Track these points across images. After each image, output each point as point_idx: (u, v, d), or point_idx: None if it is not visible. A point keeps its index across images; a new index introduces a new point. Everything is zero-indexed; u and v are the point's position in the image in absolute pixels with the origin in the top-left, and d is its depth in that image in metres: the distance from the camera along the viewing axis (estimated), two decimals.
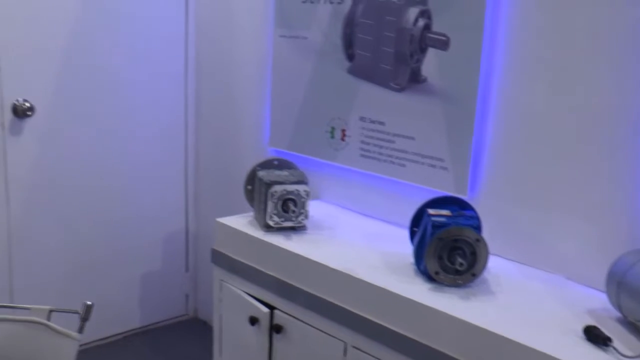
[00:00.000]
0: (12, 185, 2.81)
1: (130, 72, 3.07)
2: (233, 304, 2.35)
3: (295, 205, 2.24)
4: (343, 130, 2.55)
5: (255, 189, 2.37)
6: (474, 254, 1.82)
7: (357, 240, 2.25)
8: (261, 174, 2.33)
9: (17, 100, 2.77)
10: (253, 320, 2.21)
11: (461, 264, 1.79)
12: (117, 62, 3.03)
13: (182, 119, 3.30)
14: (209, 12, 3.18)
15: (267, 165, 2.45)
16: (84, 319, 1.81)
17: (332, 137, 2.59)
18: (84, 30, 2.90)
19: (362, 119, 2.47)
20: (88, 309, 1.81)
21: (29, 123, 2.82)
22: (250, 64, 2.98)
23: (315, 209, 2.51)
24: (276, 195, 2.22)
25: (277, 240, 2.19)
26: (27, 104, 2.78)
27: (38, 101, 2.82)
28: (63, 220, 2.98)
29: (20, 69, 2.76)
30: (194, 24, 3.23)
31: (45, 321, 1.78)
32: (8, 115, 2.76)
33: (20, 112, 2.77)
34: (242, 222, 2.37)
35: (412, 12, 2.27)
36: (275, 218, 2.24)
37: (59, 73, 2.87)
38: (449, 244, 1.82)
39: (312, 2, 2.62)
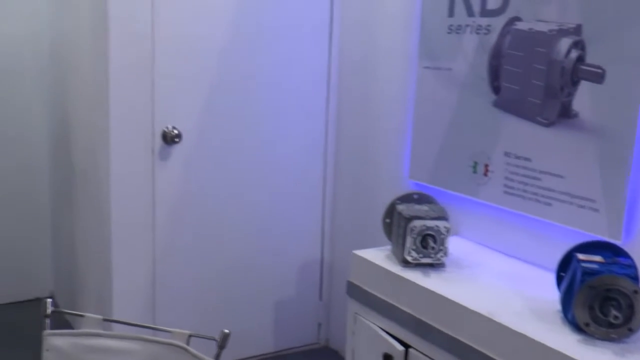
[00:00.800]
0: (159, 207, 2.93)
1: (272, 105, 3.14)
2: (367, 339, 2.31)
3: (435, 241, 2.17)
4: (486, 165, 2.46)
5: (394, 223, 2.32)
6: (631, 306, 1.67)
7: (499, 281, 2.14)
8: (400, 207, 2.28)
9: (167, 128, 2.90)
10: (387, 358, 2.16)
11: (616, 317, 1.66)
12: (261, 94, 3.10)
13: (322, 151, 3.32)
14: (352, 44, 3.20)
15: (406, 199, 2.40)
16: (221, 346, 1.83)
17: (475, 171, 2.51)
18: (230, 62, 3.00)
19: (506, 154, 2.38)
20: (225, 337, 1.83)
21: (176, 149, 2.94)
22: (391, 94, 2.96)
23: (454, 245, 2.43)
24: (415, 231, 2.16)
25: (414, 276, 2.14)
26: (176, 131, 2.90)
27: (185, 128, 2.93)
28: (204, 244, 3.08)
29: (171, 98, 2.89)
30: (337, 57, 3.26)
31: (185, 345, 1.82)
32: (158, 141, 2.89)
33: (169, 139, 2.89)
34: (379, 255, 2.34)
35: (564, 43, 2.16)
36: (414, 254, 2.19)
37: (206, 103, 2.98)
38: (601, 294, 1.69)
39: (457, 33, 2.56)
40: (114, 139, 2.79)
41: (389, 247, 2.40)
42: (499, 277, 2.18)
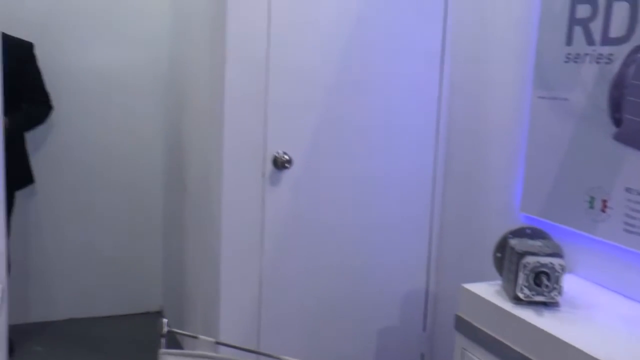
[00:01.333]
0: (267, 231, 2.97)
1: (381, 134, 3.12)
2: None
3: (549, 279, 2.08)
4: (604, 201, 2.34)
5: (506, 258, 2.25)
6: None
7: (618, 325, 2.02)
8: (513, 242, 2.21)
9: (278, 153, 2.93)
10: None
11: None
12: (370, 121, 3.09)
13: (430, 180, 3.27)
14: (463, 72, 3.14)
15: (519, 233, 2.32)
16: None
17: (591, 207, 2.39)
18: (341, 91, 3.01)
19: (628, 190, 2.25)
20: None
21: (287, 174, 2.97)
22: (503, 124, 2.88)
23: (569, 283, 2.32)
24: (528, 267, 2.08)
25: (526, 314, 2.05)
26: (286, 157, 2.93)
27: (296, 154, 2.96)
28: (309, 269, 3.09)
29: (283, 124, 2.93)
30: (448, 86, 3.21)
31: None
32: (269, 166, 2.93)
33: (280, 164, 2.93)
34: (489, 290, 2.26)
35: None
36: (526, 291, 2.10)
37: (316, 130, 3.00)
38: None
39: (575, 62, 2.47)
40: (226, 163, 2.85)
41: (499, 282, 2.32)
42: (618, 320, 2.06)
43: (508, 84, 2.85)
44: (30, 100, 3.61)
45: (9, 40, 3.40)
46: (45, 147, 3.91)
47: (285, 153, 2.94)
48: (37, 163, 3.84)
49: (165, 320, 1.90)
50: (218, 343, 1.94)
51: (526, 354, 2.00)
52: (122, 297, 4.20)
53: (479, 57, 3.03)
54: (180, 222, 3.73)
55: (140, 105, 4.04)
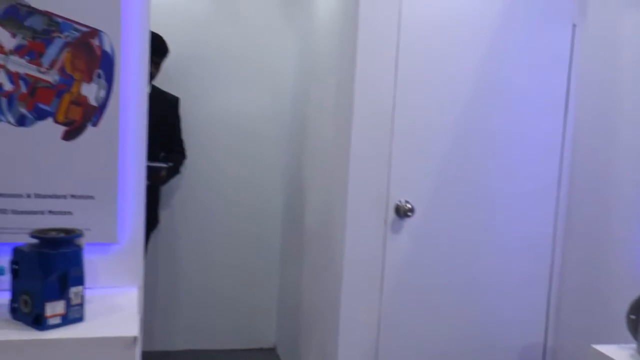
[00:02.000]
0: (387, 276, 3.00)
1: (502, 188, 3.10)
2: None
3: None
4: None
5: None
6: None
7: None
8: None
9: (400, 201, 2.97)
10: None
11: None
12: (493, 173, 3.09)
13: (551, 231, 3.21)
14: (587, 117, 3.09)
15: None
16: None
17: None
18: (464, 140, 3.03)
19: None
20: None
21: (408, 223, 2.99)
22: (628, 181, 2.80)
23: None
24: None
25: None
26: (409, 205, 2.96)
27: (418, 203, 2.99)
28: (426, 316, 3.08)
29: (406, 172, 2.97)
30: (571, 132, 3.16)
31: None
32: (391, 214, 2.97)
33: (402, 212, 2.96)
34: (622, 354, 2.19)
35: None
36: None
37: (439, 179, 3.02)
38: None
39: None
40: (350, 210, 2.91)
41: (633, 345, 2.24)
42: None
43: (635, 139, 2.78)
44: (169, 149, 3.81)
45: (158, 93, 3.64)
46: (171, 189, 4.09)
47: (407, 202, 2.97)
48: (163, 204, 4.04)
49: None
50: None
51: None
52: (238, 332, 4.31)
53: (604, 103, 2.97)
54: (297, 263, 3.81)
55: (262, 149, 4.19)
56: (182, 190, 4.12)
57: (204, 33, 4.01)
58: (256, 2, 4.08)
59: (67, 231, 1.87)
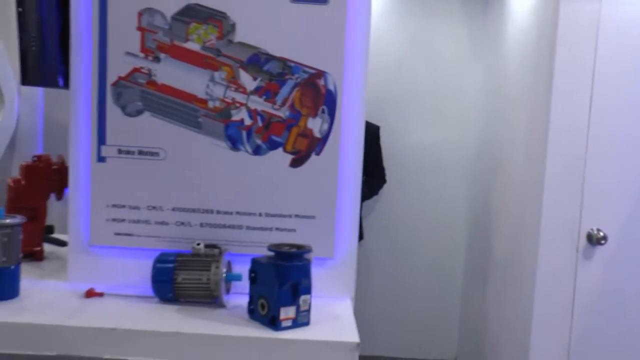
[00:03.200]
0: (578, 302, 3.00)
1: None
2: None
3: None
4: None
5: None
6: None
7: None
8: None
9: (592, 229, 2.95)
10: None
11: None
12: None
13: None
14: None
15: None
16: None
17: None
18: None
19: None
20: None
21: (600, 250, 2.97)
22: None
23: None
24: None
25: None
26: (601, 234, 2.94)
27: (611, 231, 2.95)
28: (620, 347, 3.02)
29: (599, 200, 2.95)
30: None
31: None
32: (582, 241, 2.96)
33: (594, 240, 2.95)
34: None
35: None
36: None
37: (633, 209, 2.96)
38: None
39: None
40: (543, 236, 2.94)
41: None
42: None
43: None
44: (371, 174, 4.05)
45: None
46: (374, 211, 4.33)
47: (599, 230, 2.95)
48: (366, 223, 4.29)
49: None
50: None
51: None
52: (420, 344, 4.44)
53: None
54: (482, 283, 3.86)
55: (447, 177, 4.31)
56: (381, 211, 4.35)
57: (400, 68, 4.21)
58: (446, 40, 4.23)
59: (299, 247, 2.10)
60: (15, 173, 3.77)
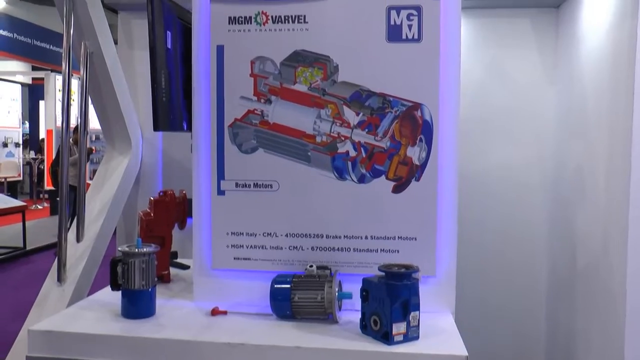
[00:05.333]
0: None
1: None
2: None
3: None
4: None
5: None
6: None
7: None
8: None
9: None
10: None
11: None
12: None
13: None
14: None
15: None
16: None
17: None
18: None
19: None
20: None
21: None
22: None
23: None
24: None
25: None
26: None
27: None
28: None
29: None
30: None
31: None
32: None
33: None
34: None
35: None
36: None
37: None
38: None
39: None
40: (631, 255, 2.88)
41: None
42: None
43: None
44: None
45: None
46: None
47: None
48: None
49: None
50: None
51: None
52: (505, 353, 4.38)
53: None
54: (568, 293, 3.80)
55: (527, 196, 4.28)
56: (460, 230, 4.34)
57: (477, 94, 4.22)
58: (522, 64, 4.22)
59: (407, 267, 2.16)
60: (141, 206, 4.04)
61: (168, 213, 2.84)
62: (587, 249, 3.54)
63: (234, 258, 2.56)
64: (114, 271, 2.39)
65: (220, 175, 2.54)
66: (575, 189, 3.74)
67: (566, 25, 3.93)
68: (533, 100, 4.23)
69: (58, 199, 3.41)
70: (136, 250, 2.37)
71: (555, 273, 4.15)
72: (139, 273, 2.36)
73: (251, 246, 2.54)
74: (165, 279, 2.86)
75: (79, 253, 3.42)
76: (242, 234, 2.55)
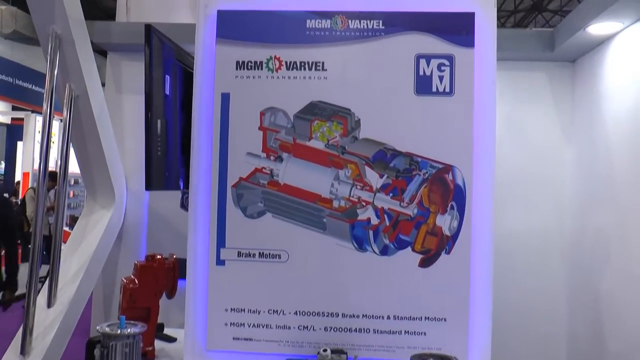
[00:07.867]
0: None
1: None
2: None
3: None
4: None
5: None
6: None
7: None
8: None
9: None
10: None
11: None
12: None
13: None
14: None
15: None
16: None
17: None
18: None
19: None
20: None
21: None
22: None
23: None
24: None
25: None
26: None
27: None
28: None
29: None
30: None
31: None
32: None
33: None
34: None
35: None
36: None
37: None
38: None
39: None
40: None
41: None
42: None
43: None
44: None
45: None
46: None
47: None
48: None
49: None
50: None
51: None
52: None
53: None
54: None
55: (545, 259, 3.97)
56: None
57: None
58: (538, 121, 3.97)
59: (442, 357, 1.82)
60: (122, 266, 3.62)
61: (156, 281, 2.44)
62: (612, 315, 3.22)
63: (233, 338, 2.19)
64: (90, 355, 2.00)
65: (221, 242, 2.18)
66: (604, 259, 3.43)
67: (583, 80, 3.69)
68: (549, 162, 3.96)
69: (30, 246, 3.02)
70: (119, 331, 1.99)
71: (577, 328, 3.82)
72: (121, 358, 1.97)
73: (254, 325, 2.17)
74: (149, 355, 2.46)
75: (49, 320, 2.95)
76: (244, 310, 2.17)
